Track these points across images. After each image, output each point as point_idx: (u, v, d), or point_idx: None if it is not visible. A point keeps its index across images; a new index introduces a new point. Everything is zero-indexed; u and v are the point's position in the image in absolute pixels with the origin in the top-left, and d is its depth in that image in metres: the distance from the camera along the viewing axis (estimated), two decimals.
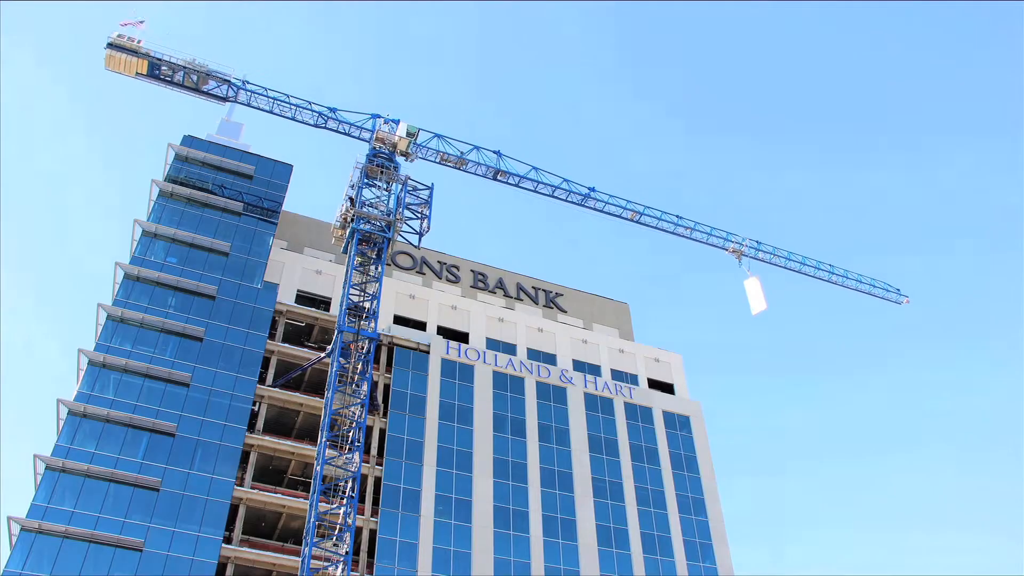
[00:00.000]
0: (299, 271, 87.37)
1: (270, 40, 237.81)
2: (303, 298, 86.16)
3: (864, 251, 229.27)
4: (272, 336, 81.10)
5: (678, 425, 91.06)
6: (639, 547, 79.94)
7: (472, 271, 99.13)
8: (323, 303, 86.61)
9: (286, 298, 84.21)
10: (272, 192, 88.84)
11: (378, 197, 78.88)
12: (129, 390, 71.04)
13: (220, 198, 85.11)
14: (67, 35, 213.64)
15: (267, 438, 74.88)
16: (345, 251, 77.80)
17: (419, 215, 79.20)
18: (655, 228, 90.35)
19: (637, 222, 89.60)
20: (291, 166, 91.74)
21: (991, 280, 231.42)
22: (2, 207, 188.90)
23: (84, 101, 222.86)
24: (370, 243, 76.82)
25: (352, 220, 76.79)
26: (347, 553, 63.04)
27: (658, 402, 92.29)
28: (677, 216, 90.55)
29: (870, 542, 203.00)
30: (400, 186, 79.79)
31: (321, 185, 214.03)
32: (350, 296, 74.12)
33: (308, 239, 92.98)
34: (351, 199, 77.99)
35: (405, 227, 78.10)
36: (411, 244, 79.96)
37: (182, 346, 75.07)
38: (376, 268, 76.23)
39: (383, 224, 77.21)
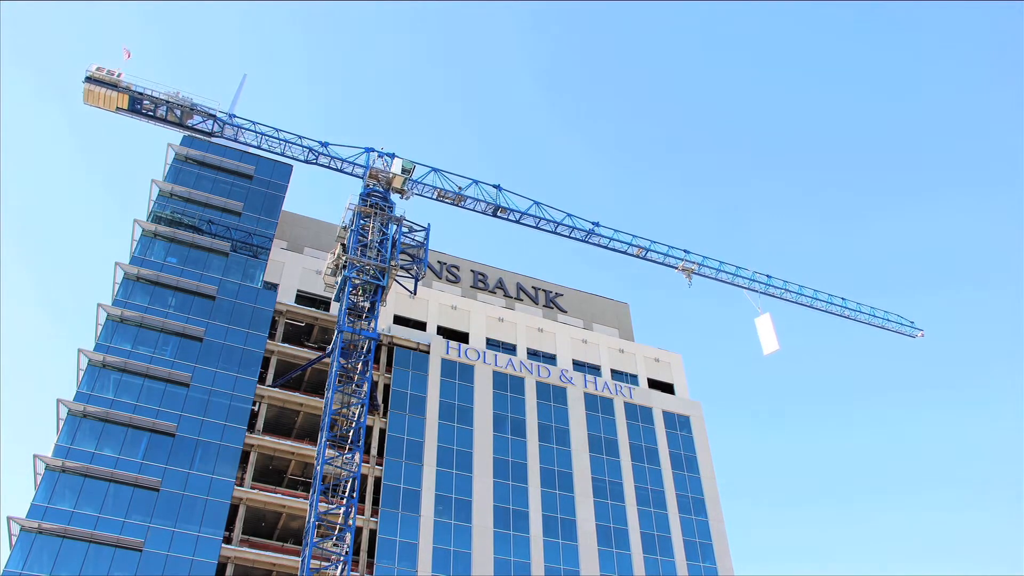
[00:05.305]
0: (299, 271, 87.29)
1: (262, 60, 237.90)
2: (303, 298, 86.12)
3: (868, 289, 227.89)
4: (272, 336, 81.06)
5: (678, 425, 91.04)
6: (639, 547, 79.91)
7: (472, 271, 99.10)
8: (323, 303, 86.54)
9: (286, 298, 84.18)
10: (272, 192, 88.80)
11: (371, 240, 75.48)
12: (129, 390, 71.03)
13: (220, 198, 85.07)
14: (70, 34, 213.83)
15: (267, 438, 74.87)
16: (337, 299, 75.35)
17: (415, 259, 77.40)
18: (662, 264, 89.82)
19: (643, 258, 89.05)
20: (291, 166, 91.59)
21: (998, 319, 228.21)
22: (2, 206, 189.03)
23: None
24: (363, 292, 74.64)
25: (344, 267, 74.35)
26: (347, 553, 63.05)
27: (658, 402, 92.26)
28: (684, 251, 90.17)
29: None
30: (395, 227, 77.32)
31: (321, 185, 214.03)
32: (350, 296, 74.05)
33: (308, 239, 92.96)
34: (343, 244, 75.20)
35: (400, 271, 75.97)
36: (407, 290, 78.83)
37: (182, 346, 75.04)
38: (371, 322, 73.62)
39: (377, 272, 74.95)
